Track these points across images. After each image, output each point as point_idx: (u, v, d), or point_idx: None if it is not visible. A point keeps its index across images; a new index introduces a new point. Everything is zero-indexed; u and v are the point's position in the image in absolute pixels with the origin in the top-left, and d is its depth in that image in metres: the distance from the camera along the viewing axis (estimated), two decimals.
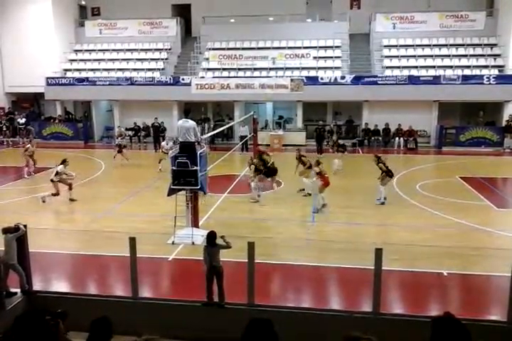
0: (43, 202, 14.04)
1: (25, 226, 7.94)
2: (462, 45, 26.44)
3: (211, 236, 7.69)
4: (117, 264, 9.69)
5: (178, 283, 9.32)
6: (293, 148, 24.30)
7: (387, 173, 13.91)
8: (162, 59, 28.91)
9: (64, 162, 14.56)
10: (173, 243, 10.71)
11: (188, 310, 7.39)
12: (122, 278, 8.64)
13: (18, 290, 7.83)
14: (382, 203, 13.84)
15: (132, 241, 7.43)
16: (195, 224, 11.35)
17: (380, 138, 25.28)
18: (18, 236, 7.79)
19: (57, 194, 14.18)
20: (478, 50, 26.14)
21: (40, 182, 16.87)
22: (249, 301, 7.22)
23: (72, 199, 14.44)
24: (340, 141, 21.07)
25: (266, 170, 14.77)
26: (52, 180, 14.23)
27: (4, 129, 27.28)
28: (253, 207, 13.92)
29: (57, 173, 14.24)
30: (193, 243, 10.62)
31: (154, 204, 13.83)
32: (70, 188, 14.52)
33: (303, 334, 6.74)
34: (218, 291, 7.45)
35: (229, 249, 7.72)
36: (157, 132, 25.17)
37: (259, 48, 27.80)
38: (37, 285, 8.29)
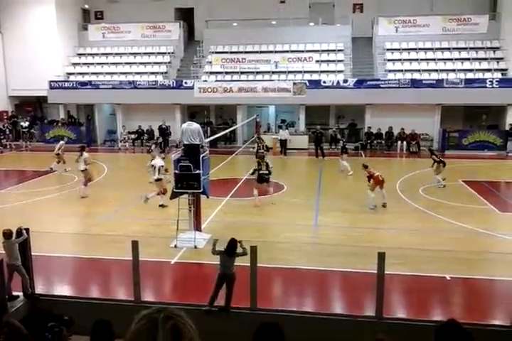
0: (146, 201, 13.67)
1: (27, 229, 7.94)
2: (465, 48, 26.39)
3: (232, 246, 7.31)
4: (120, 268, 9.67)
5: (181, 286, 9.31)
6: (296, 152, 24.41)
7: (440, 163, 16.11)
8: (165, 63, 28.95)
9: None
10: (175, 246, 10.70)
11: (191, 313, 7.35)
12: (124, 281, 8.62)
13: (21, 294, 7.82)
14: (444, 186, 15.98)
15: (135, 244, 7.43)
16: (197, 227, 11.35)
17: (383, 142, 25.25)
18: (20, 241, 7.80)
19: (163, 192, 13.60)
20: (481, 54, 26.10)
21: (41, 186, 16.91)
22: (251, 305, 7.20)
23: (162, 205, 13.80)
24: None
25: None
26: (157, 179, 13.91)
27: (7, 133, 27.32)
28: (255, 210, 13.91)
29: (159, 170, 13.85)
30: (195, 247, 10.62)
31: (157, 207, 13.81)
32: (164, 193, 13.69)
33: (305, 339, 6.72)
34: (226, 297, 7.33)
35: (245, 255, 7.34)
36: (163, 135, 25.31)
37: (261, 52, 27.81)
38: (39, 289, 8.29)
